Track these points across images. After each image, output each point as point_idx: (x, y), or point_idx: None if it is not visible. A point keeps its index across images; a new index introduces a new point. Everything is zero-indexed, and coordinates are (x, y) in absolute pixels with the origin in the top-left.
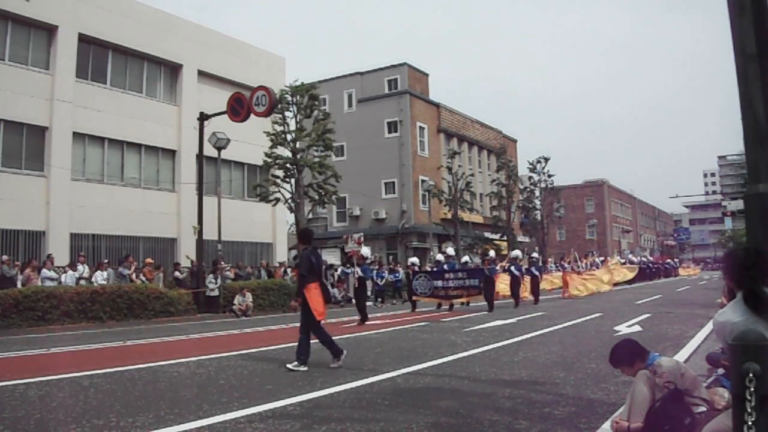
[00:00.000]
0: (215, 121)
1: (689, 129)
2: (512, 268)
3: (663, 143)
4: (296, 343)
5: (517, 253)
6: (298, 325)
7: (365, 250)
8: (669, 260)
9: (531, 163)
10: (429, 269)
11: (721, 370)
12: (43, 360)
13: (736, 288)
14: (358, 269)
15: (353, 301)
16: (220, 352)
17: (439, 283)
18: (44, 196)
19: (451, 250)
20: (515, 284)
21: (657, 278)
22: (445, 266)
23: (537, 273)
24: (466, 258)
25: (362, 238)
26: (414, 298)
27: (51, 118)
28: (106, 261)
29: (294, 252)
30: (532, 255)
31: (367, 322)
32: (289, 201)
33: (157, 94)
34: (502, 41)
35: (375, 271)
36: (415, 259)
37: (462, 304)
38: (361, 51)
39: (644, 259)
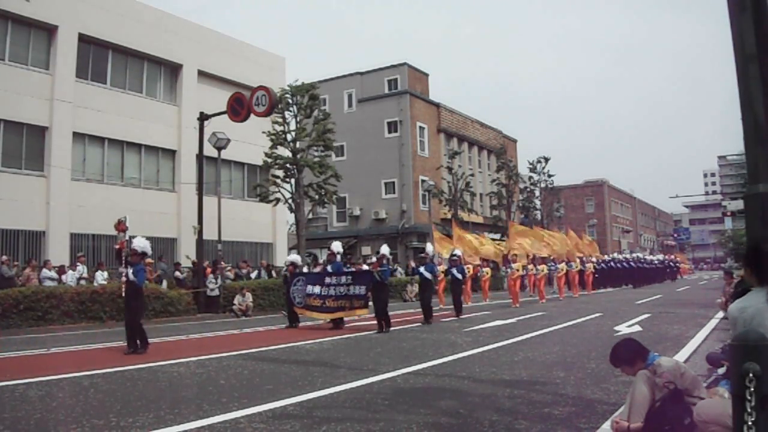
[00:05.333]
0: (215, 121)
1: (689, 129)
2: (421, 269)
3: (663, 143)
4: (295, 344)
5: (385, 250)
6: (298, 325)
7: (140, 242)
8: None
9: (531, 163)
10: (308, 271)
11: (721, 370)
12: (43, 360)
13: (757, 283)
14: (128, 271)
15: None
16: (220, 352)
17: (317, 289)
18: (44, 196)
19: (336, 246)
20: (426, 288)
21: (657, 281)
22: (328, 267)
23: (459, 276)
24: (385, 249)
25: (127, 224)
26: (295, 308)
27: (51, 118)
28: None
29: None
30: (454, 253)
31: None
32: (289, 201)
33: (157, 94)
34: (503, 41)
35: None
36: (295, 257)
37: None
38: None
39: (647, 257)
